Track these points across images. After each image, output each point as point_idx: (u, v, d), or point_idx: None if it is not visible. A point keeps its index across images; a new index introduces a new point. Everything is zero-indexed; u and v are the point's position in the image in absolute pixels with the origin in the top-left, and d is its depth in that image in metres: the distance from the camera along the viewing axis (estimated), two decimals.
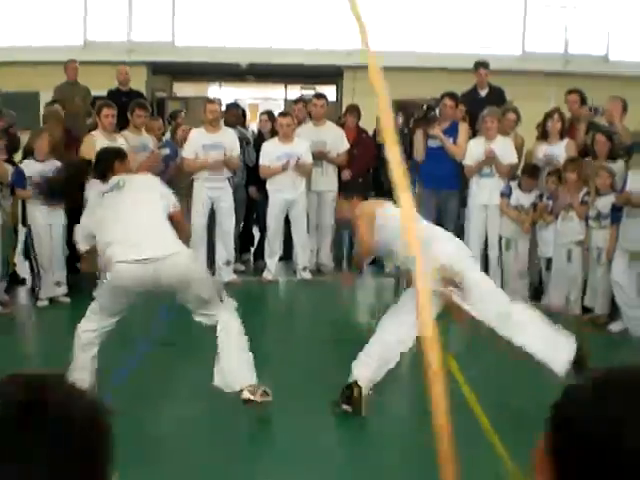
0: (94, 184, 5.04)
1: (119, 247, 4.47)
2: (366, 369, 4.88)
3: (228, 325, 4.68)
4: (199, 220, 8.47)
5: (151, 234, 4.58)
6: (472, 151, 8.26)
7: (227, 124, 9.03)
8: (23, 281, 8.25)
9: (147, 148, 8.37)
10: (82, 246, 5.01)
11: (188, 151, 8.50)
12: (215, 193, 8.49)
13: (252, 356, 4.68)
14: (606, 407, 0.96)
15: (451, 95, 8.55)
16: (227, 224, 8.56)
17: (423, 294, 1.62)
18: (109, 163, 5.04)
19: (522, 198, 8.04)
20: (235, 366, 4.58)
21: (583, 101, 8.56)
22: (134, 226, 4.61)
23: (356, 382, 4.83)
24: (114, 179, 4.93)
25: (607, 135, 7.47)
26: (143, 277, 4.41)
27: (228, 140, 8.54)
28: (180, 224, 4.95)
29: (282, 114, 9.13)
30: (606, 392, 0.99)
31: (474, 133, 8.65)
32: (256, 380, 4.58)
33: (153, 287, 4.50)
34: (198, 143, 8.45)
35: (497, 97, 9.16)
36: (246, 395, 4.53)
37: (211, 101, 8.88)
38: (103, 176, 4.98)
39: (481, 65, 9.36)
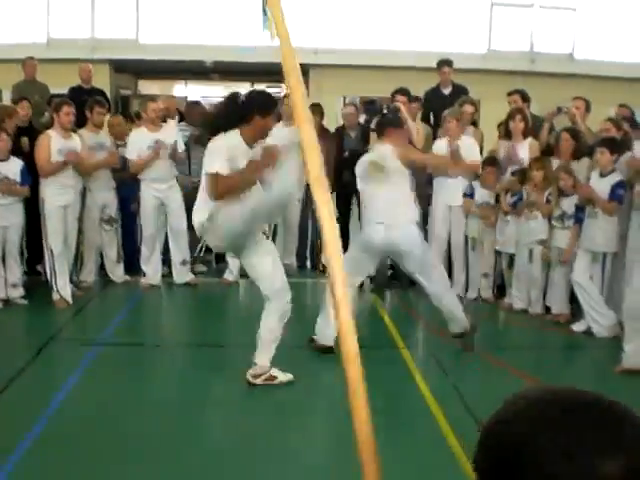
0: None
1: None
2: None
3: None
4: (149, 222, 8.34)
5: None
6: (436, 151, 8.17)
7: (191, 123, 8.91)
8: None
9: (104, 147, 8.23)
10: None
11: (132, 152, 8.33)
12: (163, 194, 8.35)
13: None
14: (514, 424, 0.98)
15: (403, 91, 8.49)
16: (178, 223, 8.39)
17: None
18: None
19: (486, 195, 8.00)
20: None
21: (525, 99, 8.53)
22: None
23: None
24: None
25: (572, 133, 7.44)
26: None
27: (169, 135, 8.36)
28: None
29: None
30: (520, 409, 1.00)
31: (435, 132, 8.60)
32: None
33: None
34: (141, 143, 8.27)
35: (460, 95, 9.10)
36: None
37: (153, 99, 8.70)
38: None
39: (445, 63, 9.31)
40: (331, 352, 5.71)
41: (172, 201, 8.35)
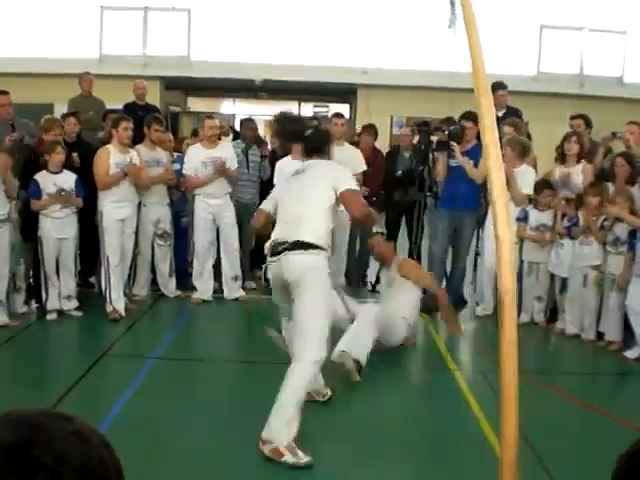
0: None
1: None
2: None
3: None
4: (202, 237, 8.43)
5: None
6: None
7: (244, 139, 9.01)
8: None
9: (161, 163, 8.34)
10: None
11: (188, 167, 8.45)
12: (216, 209, 8.43)
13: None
14: None
15: (470, 116, 8.46)
16: (231, 240, 8.48)
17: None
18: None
19: (542, 217, 7.96)
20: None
21: (588, 125, 8.50)
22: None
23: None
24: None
25: (627, 158, 7.38)
26: None
27: (226, 155, 8.47)
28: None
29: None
30: None
31: None
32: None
33: None
34: (197, 159, 8.40)
35: (514, 116, 9.07)
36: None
37: (210, 117, 8.82)
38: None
39: (499, 86, 9.28)
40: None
41: (225, 217, 8.43)
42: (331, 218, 4.61)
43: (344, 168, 4.87)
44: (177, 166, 8.67)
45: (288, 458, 4.20)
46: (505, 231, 1.63)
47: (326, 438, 4.76)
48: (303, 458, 4.22)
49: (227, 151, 8.57)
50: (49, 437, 0.92)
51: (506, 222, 1.62)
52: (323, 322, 4.37)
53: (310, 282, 4.35)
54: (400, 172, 8.88)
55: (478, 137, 8.59)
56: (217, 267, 8.61)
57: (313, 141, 4.90)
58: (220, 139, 8.69)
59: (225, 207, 8.45)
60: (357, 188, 4.70)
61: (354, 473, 4.34)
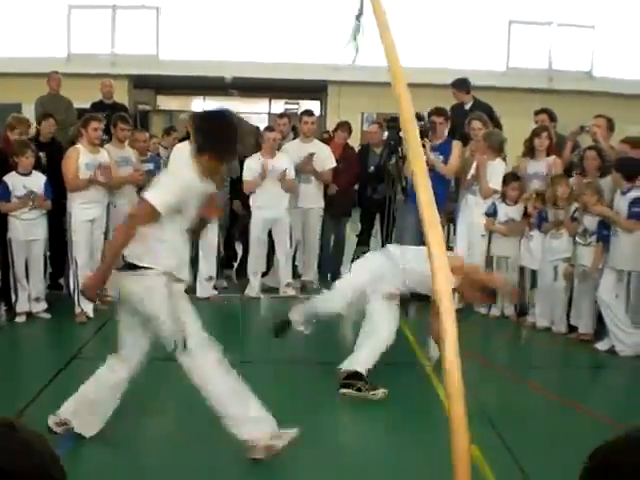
0: None
1: None
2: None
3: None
4: None
5: None
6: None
7: None
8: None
9: (130, 162, 8.25)
10: None
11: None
12: None
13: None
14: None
15: (439, 111, 8.48)
16: (211, 240, 8.44)
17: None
18: None
19: (511, 212, 7.99)
20: None
21: (552, 119, 8.56)
22: None
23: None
24: None
25: (598, 151, 7.44)
26: None
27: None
28: None
29: (268, 128, 9.10)
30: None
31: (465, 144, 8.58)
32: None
33: None
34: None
35: (480, 108, 9.13)
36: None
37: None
38: None
39: (453, 86, 9.39)
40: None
41: None
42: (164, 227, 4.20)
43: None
44: (150, 166, 8.58)
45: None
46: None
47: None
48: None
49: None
50: None
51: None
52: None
53: None
54: (372, 168, 8.90)
55: (449, 133, 8.65)
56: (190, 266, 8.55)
57: None
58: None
59: None
60: (149, 196, 4.16)
61: None
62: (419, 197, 1.94)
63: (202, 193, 4.28)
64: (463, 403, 1.52)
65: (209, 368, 4.21)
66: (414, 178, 2.01)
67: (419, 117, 8.46)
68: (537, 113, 8.67)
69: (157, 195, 4.11)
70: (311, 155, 8.81)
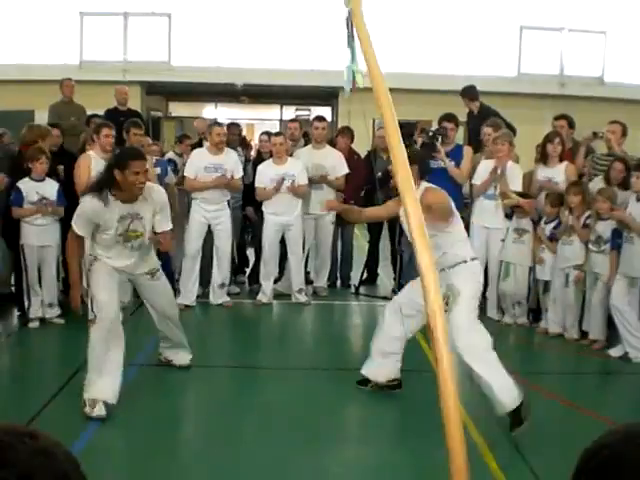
0: None
1: None
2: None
3: None
4: (194, 242, 8.41)
5: None
6: (480, 172, 8.13)
7: (228, 144, 9.02)
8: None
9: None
10: None
11: (189, 170, 8.45)
12: (212, 215, 8.41)
13: None
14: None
15: (450, 118, 8.47)
16: (224, 246, 8.47)
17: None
18: None
19: (521, 222, 7.92)
20: None
21: (571, 126, 8.54)
22: None
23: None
24: None
25: (624, 164, 7.35)
26: None
27: (230, 162, 8.47)
28: None
29: (275, 133, 9.11)
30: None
31: (476, 150, 8.55)
32: None
33: None
34: (200, 164, 8.39)
35: (486, 111, 9.14)
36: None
37: (219, 124, 8.82)
38: None
39: (462, 95, 9.41)
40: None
41: (220, 223, 8.42)
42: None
43: None
44: (157, 170, 8.62)
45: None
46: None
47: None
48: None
49: (231, 159, 8.54)
50: (14, 457, 0.91)
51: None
52: None
53: None
54: (380, 174, 8.91)
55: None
56: (203, 272, 8.57)
57: None
58: (227, 146, 8.68)
59: (221, 213, 8.43)
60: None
61: None
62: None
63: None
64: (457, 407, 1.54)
65: None
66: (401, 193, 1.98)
67: (423, 130, 8.49)
68: (557, 118, 8.63)
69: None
70: (323, 177, 8.82)
